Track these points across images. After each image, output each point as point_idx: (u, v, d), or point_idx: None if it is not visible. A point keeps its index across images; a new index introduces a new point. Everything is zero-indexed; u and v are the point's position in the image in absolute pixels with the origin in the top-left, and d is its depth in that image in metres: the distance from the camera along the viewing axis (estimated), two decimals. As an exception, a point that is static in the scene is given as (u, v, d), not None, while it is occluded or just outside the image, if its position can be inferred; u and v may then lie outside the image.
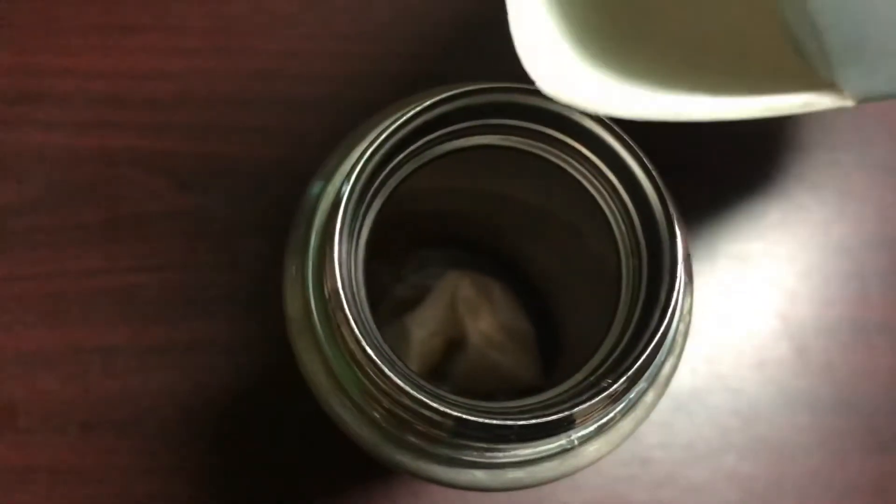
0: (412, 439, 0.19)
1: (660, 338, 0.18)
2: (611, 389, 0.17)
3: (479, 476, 0.19)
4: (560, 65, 0.19)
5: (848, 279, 0.36)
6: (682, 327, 0.20)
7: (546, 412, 0.17)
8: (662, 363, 0.19)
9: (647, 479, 0.34)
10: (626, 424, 0.19)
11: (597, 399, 0.17)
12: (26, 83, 0.36)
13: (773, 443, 0.34)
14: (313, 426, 0.33)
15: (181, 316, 0.34)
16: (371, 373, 0.18)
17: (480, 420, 0.17)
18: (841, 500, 0.34)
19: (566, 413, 0.17)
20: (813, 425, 0.35)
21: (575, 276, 0.25)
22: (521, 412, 0.18)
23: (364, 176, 0.18)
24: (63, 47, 0.36)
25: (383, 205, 0.19)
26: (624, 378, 0.17)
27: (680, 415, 0.35)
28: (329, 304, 0.18)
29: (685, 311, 0.20)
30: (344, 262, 0.18)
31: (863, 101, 0.18)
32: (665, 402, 0.35)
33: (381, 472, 0.33)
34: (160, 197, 0.35)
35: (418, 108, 0.19)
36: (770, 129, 0.38)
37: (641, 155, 0.20)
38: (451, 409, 0.17)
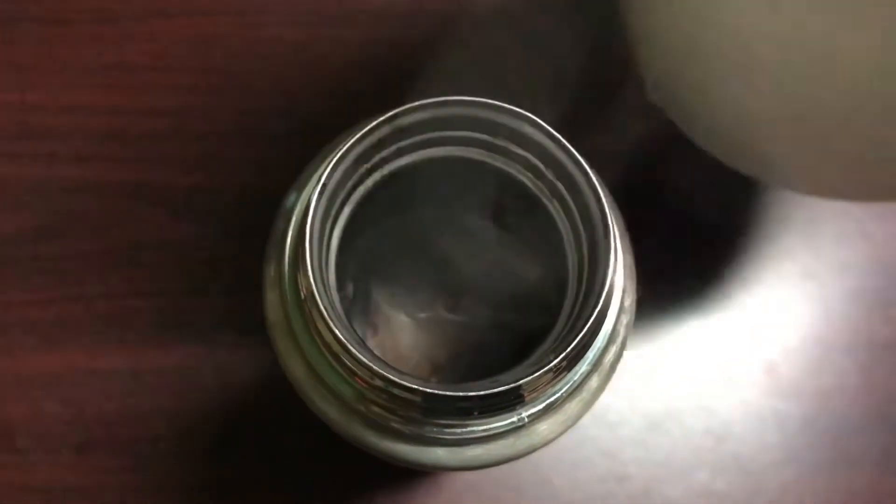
0: (388, 422, 0.21)
1: (594, 321, 0.19)
2: (551, 364, 0.19)
3: (441, 454, 0.20)
4: None
5: (813, 303, 0.38)
6: (624, 318, 0.21)
7: (497, 384, 0.19)
8: (605, 349, 0.21)
9: (624, 496, 0.35)
10: (573, 407, 0.21)
11: (539, 373, 0.19)
12: (29, 119, 0.38)
13: (744, 460, 0.35)
14: (306, 443, 0.34)
15: (175, 339, 0.35)
16: (348, 362, 0.20)
17: (442, 393, 0.19)
18: (810, 515, 0.35)
19: (513, 385, 0.19)
20: (782, 443, 0.36)
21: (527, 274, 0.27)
22: (477, 389, 0.19)
23: (331, 182, 0.20)
24: (64, 86, 0.38)
25: (353, 213, 0.21)
26: (563, 355, 0.19)
27: (655, 433, 0.36)
28: (305, 301, 0.20)
29: (626, 305, 0.22)
30: (316, 262, 0.20)
31: None
32: (640, 420, 0.36)
33: (376, 484, 0.34)
34: (156, 226, 0.37)
35: (383, 118, 0.21)
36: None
37: (578, 156, 0.22)
38: (420, 386, 0.19)
